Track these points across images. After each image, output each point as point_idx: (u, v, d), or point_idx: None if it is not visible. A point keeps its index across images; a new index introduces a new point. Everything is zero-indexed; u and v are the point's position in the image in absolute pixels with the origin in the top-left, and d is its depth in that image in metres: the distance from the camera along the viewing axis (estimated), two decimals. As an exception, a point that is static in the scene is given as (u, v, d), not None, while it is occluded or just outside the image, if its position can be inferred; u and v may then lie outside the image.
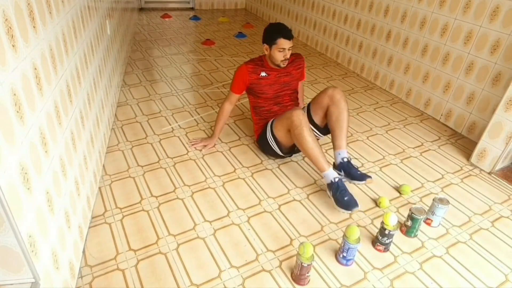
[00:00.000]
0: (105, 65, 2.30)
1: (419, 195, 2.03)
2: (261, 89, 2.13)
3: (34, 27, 1.13)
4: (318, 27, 3.97)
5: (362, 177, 2.02)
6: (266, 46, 2.05)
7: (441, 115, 2.79)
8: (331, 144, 2.12)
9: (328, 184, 1.88)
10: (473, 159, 2.31)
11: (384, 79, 3.26)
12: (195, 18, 4.96)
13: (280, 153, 2.15)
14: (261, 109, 2.20)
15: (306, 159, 2.26)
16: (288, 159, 2.25)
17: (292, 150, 2.18)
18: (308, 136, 1.86)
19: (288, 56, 2.04)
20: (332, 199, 1.86)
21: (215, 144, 2.33)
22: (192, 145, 2.30)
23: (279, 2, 4.65)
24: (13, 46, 0.97)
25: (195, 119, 2.61)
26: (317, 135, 2.17)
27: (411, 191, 2.03)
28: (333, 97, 2.03)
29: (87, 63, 1.81)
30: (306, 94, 2.91)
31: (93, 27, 2.00)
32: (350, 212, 1.81)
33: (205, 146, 2.29)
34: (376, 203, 1.95)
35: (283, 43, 1.98)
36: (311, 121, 2.11)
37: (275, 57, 2.04)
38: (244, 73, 2.10)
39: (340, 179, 1.86)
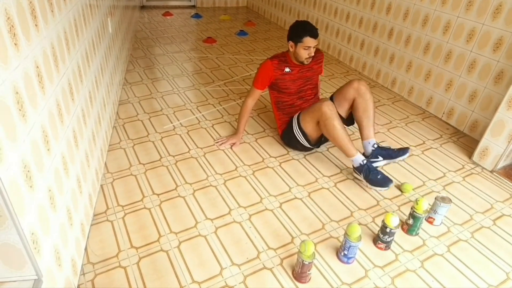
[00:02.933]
0: (107, 63, 2.31)
1: (421, 193, 2.03)
2: (285, 85, 2.17)
3: (36, 25, 1.13)
4: (320, 25, 3.96)
5: (403, 151, 2.11)
6: (291, 43, 2.09)
7: (443, 113, 2.78)
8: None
9: (357, 167, 2.01)
10: (475, 157, 2.30)
11: (386, 77, 3.25)
12: (197, 16, 4.95)
13: (308, 145, 2.19)
14: (284, 104, 2.24)
15: (307, 156, 2.26)
16: (289, 157, 2.25)
17: (319, 141, 2.22)
18: (338, 125, 1.94)
19: (312, 54, 2.09)
20: (365, 181, 1.99)
21: (242, 141, 2.36)
22: (220, 145, 2.30)
23: (281, 0, 4.64)
24: (15, 44, 0.97)
25: (196, 117, 2.61)
26: None
27: (413, 189, 2.03)
28: (359, 89, 2.09)
29: (89, 61, 1.82)
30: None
31: (95, 25, 2.00)
32: (387, 188, 1.95)
33: (233, 144, 2.30)
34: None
35: (309, 41, 2.03)
36: None
37: (300, 55, 2.08)
38: (269, 69, 2.14)
39: (368, 161, 2.00)
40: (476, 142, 2.41)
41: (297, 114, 2.17)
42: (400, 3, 2.98)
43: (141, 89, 2.95)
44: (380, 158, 2.13)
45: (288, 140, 2.27)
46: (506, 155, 2.17)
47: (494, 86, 2.40)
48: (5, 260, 1.02)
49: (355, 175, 2.06)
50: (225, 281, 1.48)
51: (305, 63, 2.13)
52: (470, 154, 2.37)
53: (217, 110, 2.73)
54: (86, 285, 1.43)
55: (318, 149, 2.33)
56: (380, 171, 1.98)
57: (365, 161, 1.98)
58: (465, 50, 2.55)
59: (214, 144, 2.31)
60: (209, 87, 3.06)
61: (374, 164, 2.09)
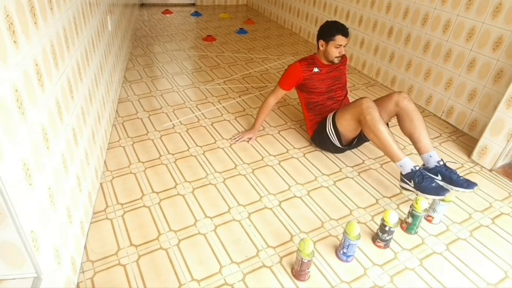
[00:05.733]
0: (106, 61, 2.30)
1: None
2: (314, 84, 2.19)
3: (35, 23, 1.13)
4: (320, 23, 3.94)
5: (469, 184, 1.80)
6: (322, 42, 2.11)
7: (443, 112, 2.78)
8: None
9: (407, 174, 1.81)
10: (474, 156, 2.31)
11: (386, 75, 3.25)
12: (196, 14, 4.95)
13: (340, 146, 2.16)
14: (315, 104, 2.25)
15: (307, 155, 2.26)
16: (289, 155, 2.25)
17: (352, 142, 2.19)
18: (381, 124, 1.83)
19: (343, 52, 2.12)
20: (416, 190, 1.77)
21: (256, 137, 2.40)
22: (236, 141, 2.32)
23: (281, -2, 4.64)
24: (14, 42, 0.97)
25: (196, 116, 2.61)
26: None
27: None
28: (399, 102, 1.98)
29: (88, 59, 1.81)
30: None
31: (94, 23, 2.00)
32: (443, 197, 1.70)
33: (250, 138, 2.34)
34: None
35: (341, 40, 2.06)
36: None
37: (331, 53, 2.10)
38: (298, 71, 2.16)
39: (420, 167, 1.81)
40: (475, 141, 2.41)
41: (332, 112, 2.14)
42: (400, 2, 2.98)
43: (141, 87, 2.95)
44: (439, 177, 1.87)
45: (319, 141, 2.25)
46: (505, 154, 2.17)
47: (494, 85, 2.40)
48: (5, 258, 1.02)
49: (403, 184, 1.86)
50: (224, 279, 1.48)
51: (335, 61, 2.14)
52: (469, 153, 2.38)
53: (217, 108, 2.72)
54: (85, 283, 1.43)
55: (318, 149, 2.33)
56: (434, 179, 1.77)
57: (417, 167, 1.79)
58: (465, 49, 2.55)
59: (230, 144, 2.31)
60: (208, 85, 3.06)
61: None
